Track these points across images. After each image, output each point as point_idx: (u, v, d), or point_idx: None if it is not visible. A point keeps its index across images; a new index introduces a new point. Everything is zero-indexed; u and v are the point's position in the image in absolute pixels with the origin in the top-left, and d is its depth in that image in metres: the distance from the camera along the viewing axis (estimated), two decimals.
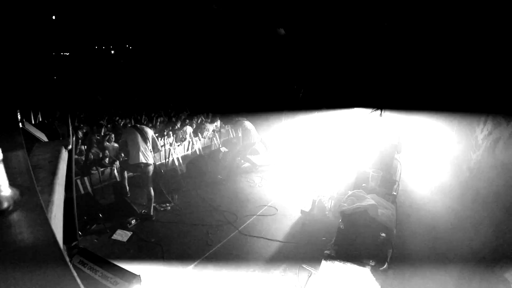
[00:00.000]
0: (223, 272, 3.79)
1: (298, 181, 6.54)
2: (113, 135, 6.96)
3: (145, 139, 4.76)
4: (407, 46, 7.30)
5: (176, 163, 8.79)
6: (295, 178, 6.69)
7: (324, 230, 4.58)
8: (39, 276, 0.71)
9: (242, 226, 4.76)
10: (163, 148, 6.97)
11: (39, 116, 6.69)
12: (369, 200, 4.09)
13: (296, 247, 4.31)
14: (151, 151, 4.85)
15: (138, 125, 4.99)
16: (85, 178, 6.21)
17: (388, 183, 4.22)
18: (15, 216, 0.93)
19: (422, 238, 4.34)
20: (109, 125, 8.93)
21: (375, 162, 4.38)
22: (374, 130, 4.84)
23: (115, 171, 7.37)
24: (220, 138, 8.81)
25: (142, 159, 4.66)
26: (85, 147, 6.26)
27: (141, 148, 4.69)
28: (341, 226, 3.59)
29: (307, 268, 3.74)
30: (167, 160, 6.89)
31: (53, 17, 11.96)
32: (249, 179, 6.60)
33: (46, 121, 6.13)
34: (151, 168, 4.79)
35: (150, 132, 4.90)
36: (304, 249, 4.25)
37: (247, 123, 6.85)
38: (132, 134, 4.75)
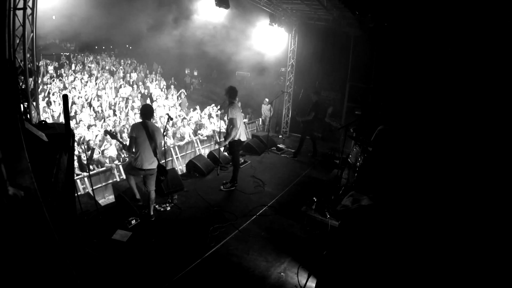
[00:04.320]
0: (223, 272, 3.79)
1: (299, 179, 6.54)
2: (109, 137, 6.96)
3: (151, 140, 4.45)
4: None
5: (176, 163, 8.80)
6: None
7: (325, 230, 4.58)
8: (40, 275, 0.71)
9: (242, 226, 4.76)
10: (164, 146, 6.96)
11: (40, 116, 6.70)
12: (368, 200, 4.09)
13: (297, 247, 4.31)
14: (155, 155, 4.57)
15: (148, 121, 4.52)
16: (85, 178, 6.21)
17: None
18: (15, 216, 0.93)
19: None
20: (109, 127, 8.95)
21: None
22: None
23: (115, 170, 7.38)
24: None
25: (146, 165, 4.46)
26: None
27: (146, 152, 4.42)
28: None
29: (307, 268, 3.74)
30: (166, 160, 6.89)
31: (53, 17, 11.97)
32: (252, 179, 6.59)
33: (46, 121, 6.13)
34: (155, 170, 4.62)
35: (158, 134, 4.56)
36: (305, 249, 4.25)
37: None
38: (140, 131, 4.40)
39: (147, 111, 4.52)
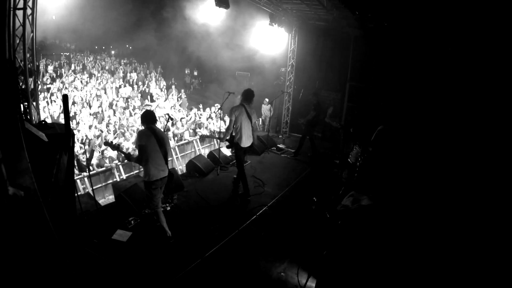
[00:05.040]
0: (224, 272, 3.79)
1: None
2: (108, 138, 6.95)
3: (161, 147, 4.10)
4: None
5: (176, 163, 8.80)
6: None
7: (325, 230, 4.57)
8: (40, 275, 0.71)
9: (242, 226, 4.75)
10: None
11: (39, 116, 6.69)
12: (368, 200, 4.09)
13: (297, 247, 4.30)
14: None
15: (154, 127, 4.19)
16: (85, 178, 6.21)
17: None
18: (15, 216, 0.93)
19: None
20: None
21: None
22: None
23: (115, 170, 7.38)
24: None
25: (160, 174, 4.12)
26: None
27: (157, 159, 4.08)
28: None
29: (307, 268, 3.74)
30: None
31: (53, 17, 11.98)
32: (252, 179, 6.58)
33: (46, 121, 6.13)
34: (167, 178, 4.33)
35: (166, 140, 4.26)
36: (305, 249, 4.25)
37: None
38: (149, 138, 4.03)
39: (150, 117, 4.17)
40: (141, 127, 4.36)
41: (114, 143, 4.48)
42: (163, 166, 4.17)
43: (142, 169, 4.52)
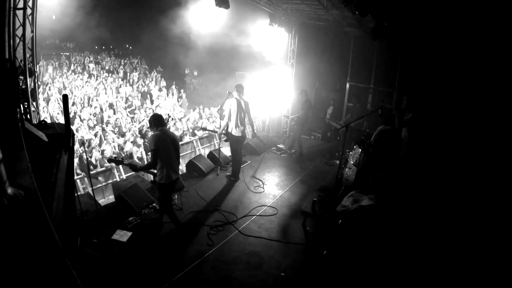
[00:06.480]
0: (224, 272, 3.79)
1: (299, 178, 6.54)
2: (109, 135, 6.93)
3: (175, 148, 4.13)
4: None
5: None
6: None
7: (325, 230, 4.57)
8: (40, 275, 0.71)
9: (242, 226, 4.75)
10: None
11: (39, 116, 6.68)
12: (369, 200, 4.09)
13: (297, 247, 4.31)
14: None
15: (166, 129, 4.17)
16: (85, 178, 6.21)
17: None
18: (15, 216, 0.93)
19: None
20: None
21: None
22: None
23: (115, 170, 7.37)
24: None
25: (174, 175, 4.12)
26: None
27: (173, 161, 4.09)
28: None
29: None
30: None
31: (53, 17, 11.99)
32: (252, 179, 6.58)
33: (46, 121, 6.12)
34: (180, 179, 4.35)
35: (178, 140, 4.28)
36: (305, 249, 4.25)
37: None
38: (163, 141, 3.99)
39: (159, 120, 4.12)
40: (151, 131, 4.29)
41: (117, 158, 4.49)
42: (178, 168, 4.27)
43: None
